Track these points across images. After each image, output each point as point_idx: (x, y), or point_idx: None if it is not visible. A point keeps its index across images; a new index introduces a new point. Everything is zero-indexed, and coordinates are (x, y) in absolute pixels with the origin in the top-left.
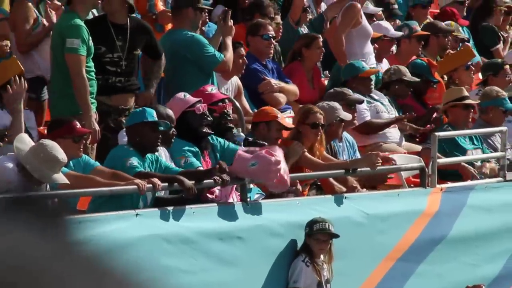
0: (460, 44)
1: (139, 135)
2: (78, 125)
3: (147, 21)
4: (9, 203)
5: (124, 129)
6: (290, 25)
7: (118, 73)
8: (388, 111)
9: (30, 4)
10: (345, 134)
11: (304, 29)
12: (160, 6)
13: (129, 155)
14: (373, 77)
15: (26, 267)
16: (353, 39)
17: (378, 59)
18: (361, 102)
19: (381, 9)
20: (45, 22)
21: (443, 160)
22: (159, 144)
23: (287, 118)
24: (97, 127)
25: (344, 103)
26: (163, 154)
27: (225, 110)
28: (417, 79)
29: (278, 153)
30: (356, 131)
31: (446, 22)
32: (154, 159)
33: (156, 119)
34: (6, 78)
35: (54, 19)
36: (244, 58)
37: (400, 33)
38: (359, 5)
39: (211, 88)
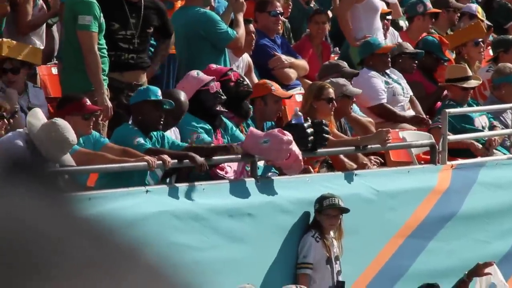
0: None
1: (142, 113)
2: (88, 102)
3: None
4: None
5: None
6: (299, 3)
7: (131, 50)
8: (404, 94)
9: None
10: (358, 111)
11: (314, 7)
12: None
13: (134, 134)
14: None
15: (25, 232)
16: (359, 14)
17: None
18: (356, 75)
19: None
20: (42, 3)
21: (453, 137)
22: (161, 122)
23: (297, 95)
24: (109, 104)
25: (338, 75)
26: (173, 132)
27: (239, 78)
28: (419, 50)
29: (289, 134)
30: (370, 111)
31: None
32: (159, 136)
33: (160, 97)
34: None
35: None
36: (253, 34)
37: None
38: None
39: (215, 65)
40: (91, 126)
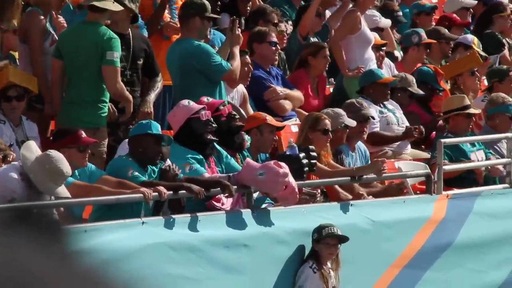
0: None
1: (142, 146)
2: (83, 134)
3: (154, 32)
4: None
5: (125, 140)
6: (297, 39)
7: (125, 83)
8: (399, 124)
9: (41, 16)
10: (359, 144)
11: (313, 39)
12: (166, 14)
13: (129, 165)
14: None
15: (26, 279)
16: (352, 46)
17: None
18: (373, 118)
19: (390, 21)
20: (55, 37)
21: (449, 167)
22: (159, 158)
23: (292, 126)
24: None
25: (357, 115)
26: (167, 162)
27: (230, 112)
28: (421, 92)
29: (285, 167)
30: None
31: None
32: (154, 168)
33: (161, 133)
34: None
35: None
36: (250, 65)
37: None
38: (358, 12)
39: (206, 98)
40: (87, 159)
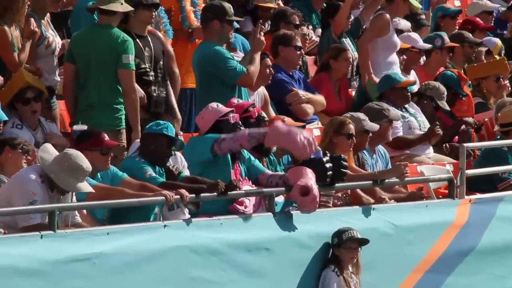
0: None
1: (154, 144)
2: (106, 137)
3: (183, 33)
4: None
5: (137, 140)
6: (332, 38)
7: (150, 83)
8: (421, 128)
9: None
10: (378, 146)
11: (345, 39)
12: (193, 18)
13: (145, 167)
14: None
15: None
16: (378, 49)
17: (406, 70)
18: (398, 119)
19: (410, 24)
20: (50, 39)
21: (472, 172)
22: (167, 160)
23: (314, 129)
24: None
25: (386, 120)
26: (178, 157)
27: (260, 113)
28: (447, 108)
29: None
30: (387, 145)
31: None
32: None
33: (174, 136)
34: (16, 90)
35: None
36: (271, 68)
37: (428, 45)
38: (388, 16)
39: (236, 100)
40: (109, 161)
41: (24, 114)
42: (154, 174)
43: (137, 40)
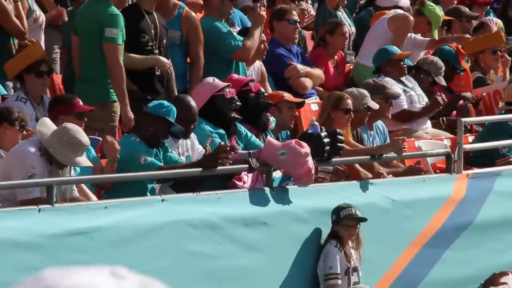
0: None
1: (153, 126)
2: (80, 102)
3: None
4: None
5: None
6: (327, 10)
7: None
8: (420, 102)
9: None
10: (377, 122)
11: (341, 13)
12: None
13: (140, 151)
14: None
15: None
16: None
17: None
18: (398, 97)
19: (409, 1)
20: (38, 13)
21: (469, 146)
22: (163, 142)
23: (312, 104)
24: (131, 115)
25: (382, 97)
26: (192, 135)
27: (259, 89)
28: (443, 83)
29: (306, 146)
30: (393, 118)
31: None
32: (161, 147)
33: (174, 121)
34: (30, 62)
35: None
36: (266, 43)
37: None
38: (411, 17)
39: (236, 75)
40: (83, 126)
41: (32, 87)
42: (149, 159)
43: (146, 16)
